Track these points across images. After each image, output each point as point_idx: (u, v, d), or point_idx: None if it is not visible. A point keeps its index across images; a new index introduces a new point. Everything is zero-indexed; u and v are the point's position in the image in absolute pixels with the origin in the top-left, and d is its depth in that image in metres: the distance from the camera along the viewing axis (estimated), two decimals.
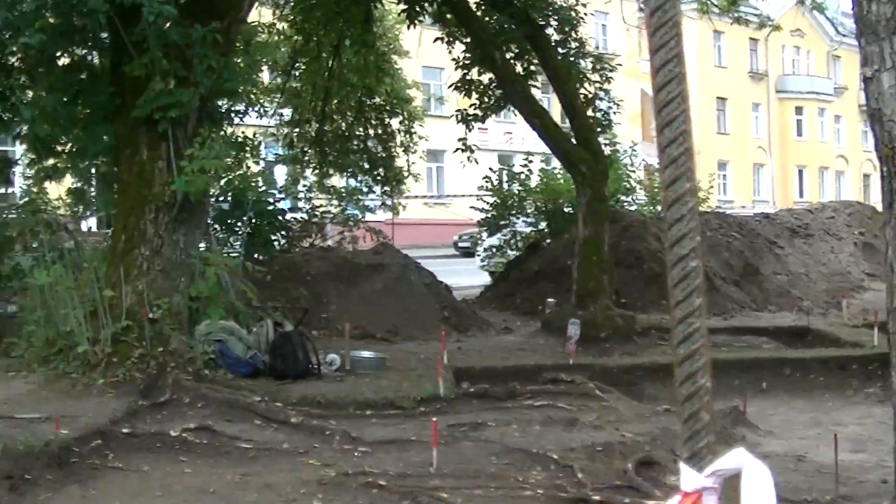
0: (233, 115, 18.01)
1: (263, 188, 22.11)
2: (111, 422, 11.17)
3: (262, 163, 25.82)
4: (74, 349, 13.18)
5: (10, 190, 23.63)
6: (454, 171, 48.88)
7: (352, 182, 27.55)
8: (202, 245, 15.75)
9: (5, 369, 13.66)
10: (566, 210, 25.23)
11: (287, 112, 26.52)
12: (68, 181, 19.57)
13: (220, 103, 16.11)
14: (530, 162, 27.08)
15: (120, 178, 14.82)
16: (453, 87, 22.04)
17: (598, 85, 21.80)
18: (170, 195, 13.89)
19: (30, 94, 15.87)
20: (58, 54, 15.13)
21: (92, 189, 19.55)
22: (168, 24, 13.07)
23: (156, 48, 13.13)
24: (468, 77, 21.75)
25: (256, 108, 23.11)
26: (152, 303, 13.61)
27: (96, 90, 14.42)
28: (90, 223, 24.26)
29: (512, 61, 20.01)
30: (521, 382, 14.14)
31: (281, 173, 28.33)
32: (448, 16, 20.85)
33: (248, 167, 21.98)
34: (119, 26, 13.38)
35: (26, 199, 20.61)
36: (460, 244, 47.33)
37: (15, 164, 21.08)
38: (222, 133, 15.48)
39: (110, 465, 10.41)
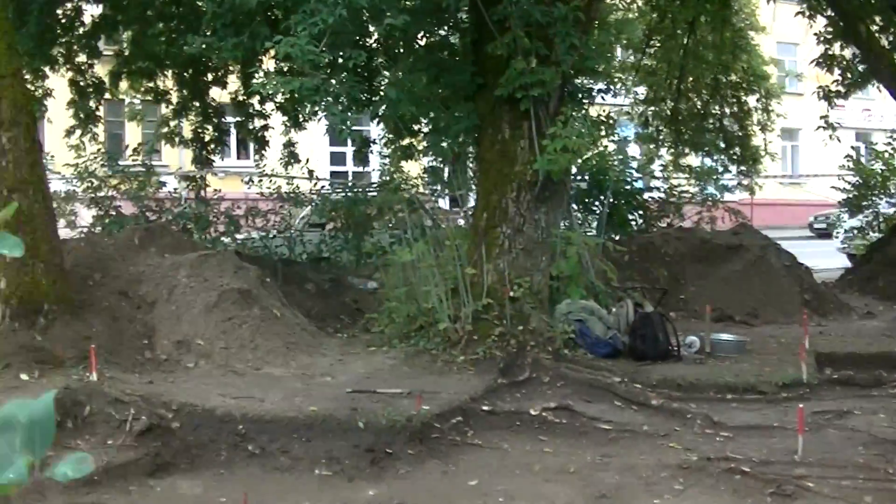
0: (594, 93, 17.90)
1: (621, 167, 21.97)
2: (471, 399, 11.23)
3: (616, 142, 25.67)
4: (435, 326, 13.35)
5: (366, 169, 24.31)
6: (809, 150, 47.63)
7: (707, 161, 27.07)
8: (563, 224, 15.72)
9: (366, 344, 14.01)
10: None
11: (641, 90, 26.30)
12: (423, 160, 19.93)
13: (580, 81, 15.99)
14: (895, 140, 25.94)
15: (482, 156, 14.95)
16: (814, 62, 21.29)
17: None
18: (532, 174, 13.91)
19: (387, 75, 16.21)
20: (419, 35, 15.38)
21: (446, 168, 19.87)
22: (530, 3, 13.05)
23: (518, 27, 13.15)
24: (830, 52, 20.96)
25: (616, 87, 22.94)
26: (513, 281, 13.67)
27: (457, 70, 14.56)
28: (443, 202, 24.71)
29: (877, 34, 19.14)
30: (887, 370, 13.53)
31: (634, 152, 28.12)
32: None
33: (606, 146, 21.84)
34: (480, 6, 13.46)
35: (386, 178, 21.16)
36: (816, 225, 46.02)
37: (373, 143, 21.62)
38: (583, 112, 15.35)
39: (470, 442, 10.47)
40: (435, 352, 13.04)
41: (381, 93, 16.11)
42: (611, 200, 19.81)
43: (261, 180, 21.93)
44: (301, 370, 12.31)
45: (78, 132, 20.51)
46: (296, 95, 12.29)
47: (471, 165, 17.26)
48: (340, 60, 13.57)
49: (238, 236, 20.25)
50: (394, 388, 11.37)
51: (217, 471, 9.56)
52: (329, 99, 12.45)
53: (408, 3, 14.72)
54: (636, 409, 11.67)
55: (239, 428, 9.91)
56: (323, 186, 23.19)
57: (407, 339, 13.60)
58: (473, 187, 17.56)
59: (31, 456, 1.45)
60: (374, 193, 21.44)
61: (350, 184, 24.02)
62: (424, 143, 17.38)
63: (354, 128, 15.16)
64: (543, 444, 10.55)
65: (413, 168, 21.97)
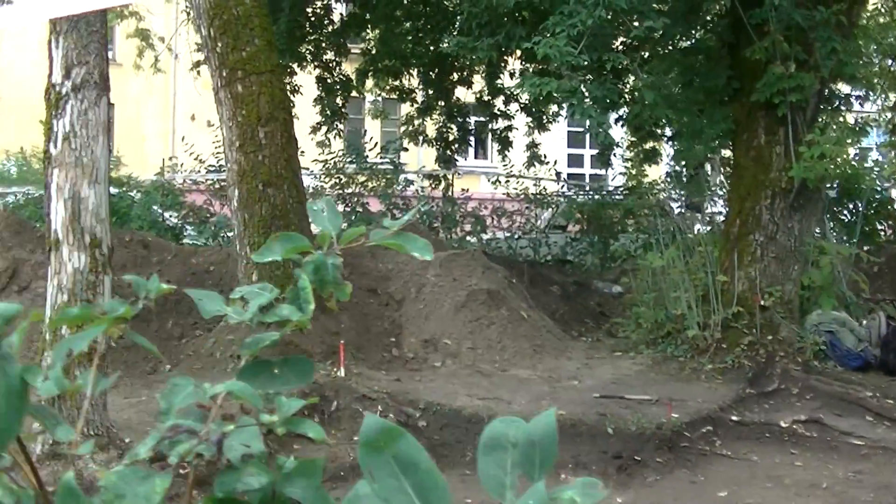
0: (852, 100, 17.45)
1: (874, 176, 21.40)
2: (720, 408, 11.09)
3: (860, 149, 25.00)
4: (684, 333, 13.25)
5: (607, 172, 24.21)
6: None
7: None
8: (815, 233, 15.42)
9: (611, 349, 13.96)
10: None
11: (893, 96, 25.53)
12: (663, 165, 19.76)
13: (837, 87, 15.65)
14: None
15: (736, 162, 14.76)
16: None
17: None
18: (786, 181, 13.65)
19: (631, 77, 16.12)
20: (676, 37, 15.24)
21: (684, 172, 19.65)
22: (791, 7, 12.81)
23: (777, 31, 12.89)
24: None
25: (873, 94, 22.36)
26: (764, 290, 13.47)
27: (712, 74, 14.34)
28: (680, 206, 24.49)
29: None
30: None
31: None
32: None
33: (856, 154, 21.30)
34: (739, 9, 13.24)
35: (632, 182, 21.02)
36: None
37: (616, 146, 21.48)
38: (841, 119, 15.01)
39: (718, 452, 10.32)
40: (682, 359, 12.95)
41: (627, 96, 16.03)
42: (862, 210, 19.33)
43: (507, 180, 22.07)
44: (547, 373, 12.33)
45: (324, 129, 20.87)
46: (553, 96, 12.29)
47: (709, 171, 17.04)
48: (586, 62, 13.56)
49: (483, 236, 20.39)
50: (641, 394, 11.30)
51: (462, 471, 9.59)
52: (586, 101, 12.39)
53: (662, 6, 14.61)
54: (888, 425, 11.32)
55: None
56: (569, 188, 23.23)
57: (654, 345, 13.54)
58: (719, 192, 17.30)
59: (527, 478, 1.44)
60: (621, 197, 21.38)
61: (599, 186, 24.00)
62: (671, 147, 17.20)
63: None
64: (794, 458, 10.32)
65: (651, 172, 21.87)
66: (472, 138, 24.42)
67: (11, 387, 1.48)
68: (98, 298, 8.36)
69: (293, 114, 19.62)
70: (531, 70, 15.45)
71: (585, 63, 12.16)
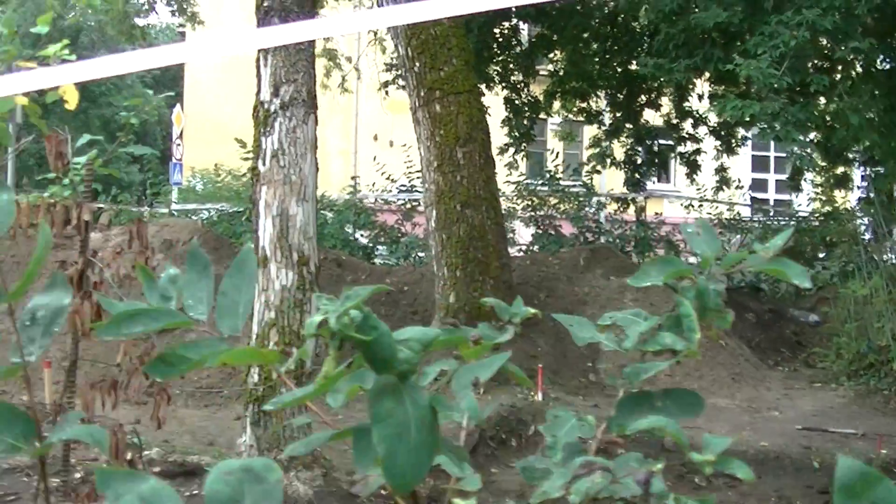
0: None
1: None
2: None
3: None
4: (888, 365, 12.85)
5: (795, 197, 23.76)
6: None
7: None
8: None
9: (810, 379, 13.60)
10: None
11: None
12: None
13: None
14: None
15: None
16: None
17: None
18: None
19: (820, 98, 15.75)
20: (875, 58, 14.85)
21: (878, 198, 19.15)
22: None
23: None
24: None
25: None
26: None
27: None
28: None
29: None
30: None
31: None
32: None
33: None
34: None
35: (827, 208, 20.56)
36: None
37: (806, 170, 21.04)
38: None
39: None
40: (887, 392, 12.55)
41: (822, 117, 15.66)
42: None
43: (701, 204, 21.80)
44: (746, 402, 12.07)
45: (511, 150, 20.79)
46: (754, 119, 12.06)
47: None
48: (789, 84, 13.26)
49: None
50: (846, 427, 10.96)
51: None
52: (787, 124, 12.11)
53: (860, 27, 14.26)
54: None
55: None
56: (762, 214, 22.88)
57: (855, 377, 13.14)
58: None
59: None
60: (816, 223, 20.96)
61: (792, 212, 23.60)
62: (861, 172, 16.79)
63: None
64: None
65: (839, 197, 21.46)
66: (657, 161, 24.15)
67: (424, 418, 1.44)
68: (305, 317, 8.33)
69: None
70: (721, 92, 15.16)
71: (788, 85, 11.89)
